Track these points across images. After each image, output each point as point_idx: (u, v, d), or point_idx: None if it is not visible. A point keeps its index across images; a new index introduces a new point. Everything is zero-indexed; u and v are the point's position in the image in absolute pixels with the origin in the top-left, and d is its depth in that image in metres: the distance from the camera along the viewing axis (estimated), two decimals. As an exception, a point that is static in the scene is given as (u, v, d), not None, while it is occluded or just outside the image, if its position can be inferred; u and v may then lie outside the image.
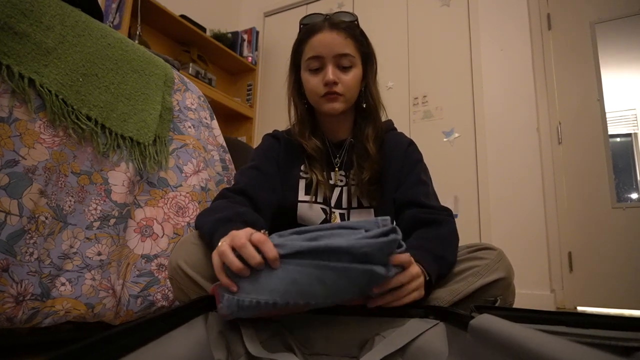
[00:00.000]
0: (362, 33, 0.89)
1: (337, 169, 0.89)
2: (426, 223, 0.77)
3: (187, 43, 2.78)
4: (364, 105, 0.89)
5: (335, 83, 0.83)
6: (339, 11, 0.88)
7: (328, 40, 0.83)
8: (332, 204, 0.86)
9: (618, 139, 2.58)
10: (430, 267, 0.64)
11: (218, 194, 0.79)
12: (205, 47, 2.85)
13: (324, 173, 0.87)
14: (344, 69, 0.84)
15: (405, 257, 0.57)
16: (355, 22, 0.88)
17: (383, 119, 0.93)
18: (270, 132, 0.96)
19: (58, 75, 0.90)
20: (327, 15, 0.86)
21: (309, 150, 0.87)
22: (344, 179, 0.88)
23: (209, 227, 0.65)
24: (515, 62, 2.30)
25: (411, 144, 0.93)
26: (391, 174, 0.87)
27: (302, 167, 0.89)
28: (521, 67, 2.27)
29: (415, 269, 0.59)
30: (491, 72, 2.34)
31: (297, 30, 0.90)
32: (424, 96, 2.52)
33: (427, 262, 0.64)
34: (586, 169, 2.12)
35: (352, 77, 0.85)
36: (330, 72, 0.82)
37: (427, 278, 0.62)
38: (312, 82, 0.85)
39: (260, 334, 0.54)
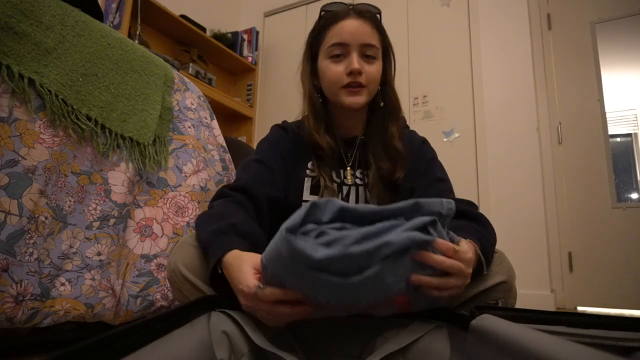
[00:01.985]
0: (383, 27, 0.85)
1: (349, 167, 0.86)
2: (463, 214, 0.69)
3: (187, 43, 2.78)
4: (381, 104, 0.84)
5: (360, 73, 0.78)
6: (363, 2, 0.84)
7: (355, 27, 0.79)
8: None
9: (618, 139, 2.59)
10: (482, 247, 0.58)
11: (217, 191, 0.77)
12: (205, 47, 2.85)
13: (333, 173, 0.84)
14: (368, 60, 0.80)
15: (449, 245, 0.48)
16: (379, 15, 0.85)
17: None
18: (280, 122, 0.92)
19: (58, 75, 0.90)
20: (350, 4, 0.83)
21: (323, 147, 0.82)
22: (354, 178, 0.85)
23: (204, 240, 0.64)
24: (515, 62, 2.30)
25: (424, 141, 0.90)
26: (406, 173, 0.83)
27: (309, 165, 0.85)
28: (521, 67, 2.27)
29: (468, 254, 0.51)
30: (491, 72, 2.34)
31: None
32: (424, 96, 2.52)
33: (477, 242, 0.58)
34: (586, 169, 2.12)
35: (376, 69, 0.81)
36: (356, 61, 0.77)
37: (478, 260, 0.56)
38: (333, 71, 0.80)
39: (262, 334, 0.54)
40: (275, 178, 0.81)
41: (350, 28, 0.79)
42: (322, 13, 0.84)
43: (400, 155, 0.82)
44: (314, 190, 0.83)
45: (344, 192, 0.84)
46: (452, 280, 0.49)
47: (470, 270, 0.52)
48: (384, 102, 0.85)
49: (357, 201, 0.83)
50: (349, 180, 0.85)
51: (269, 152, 0.84)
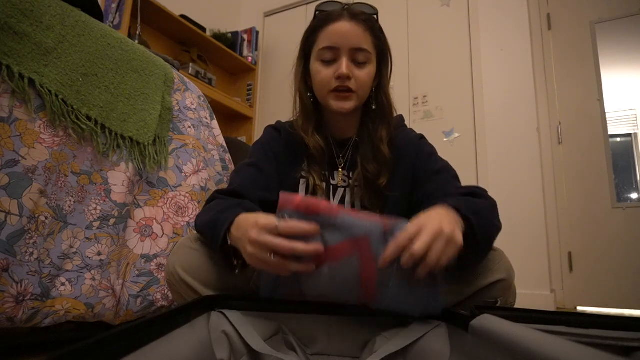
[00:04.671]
0: (380, 29, 0.83)
1: (340, 169, 0.85)
2: (461, 195, 0.71)
3: (187, 43, 2.78)
4: (373, 107, 0.83)
5: (348, 78, 0.77)
6: (360, 2, 0.82)
7: (346, 31, 0.76)
8: None
9: (618, 139, 2.59)
10: (459, 204, 0.58)
11: (210, 196, 0.77)
12: (205, 47, 2.85)
13: (324, 174, 0.83)
14: (359, 65, 0.78)
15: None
16: (375, 15, 0.82)
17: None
18: (273, 123, 0.91)
19: (58, 75, 0.90)
20: (345, 4, 0.80)
21: (310, 148, 0.81)
22: (347, 179, 0.84)
23: (209, 220, 0.66)
24: (515, 62, 2.29)
25: (422, 137, 0.88)
26: (402, 173, 0.82)
27: (304, 166, 0.84)
28: (521, 67, 2.27)
29: (422, 219, 0.53)
30: (491, 72, 2.34)
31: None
32: (424, 96, 2.52)
33: (455, 203, 0.59)
34: (586, 169, 2.12)
35: (366, 74, 0.79)
36: (345, 66, 0.76)
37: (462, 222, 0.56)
38: (323, 74, 0.78)
39: (261, 333, 0.54)
40: (268, 180, 0.80)
41: (342, 31, 0.77)
42: (317, 13, 0.82)
43: (386, 160, 0.80)
44: (309, 191, 0.82)
45: (338, 195, 0.83)
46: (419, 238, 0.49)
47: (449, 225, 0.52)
48: (376, 106, 0.83)
49: (343, 203, 0.82)
50: (339, 181, 0.84)
51: (262, 155, 0.83)
